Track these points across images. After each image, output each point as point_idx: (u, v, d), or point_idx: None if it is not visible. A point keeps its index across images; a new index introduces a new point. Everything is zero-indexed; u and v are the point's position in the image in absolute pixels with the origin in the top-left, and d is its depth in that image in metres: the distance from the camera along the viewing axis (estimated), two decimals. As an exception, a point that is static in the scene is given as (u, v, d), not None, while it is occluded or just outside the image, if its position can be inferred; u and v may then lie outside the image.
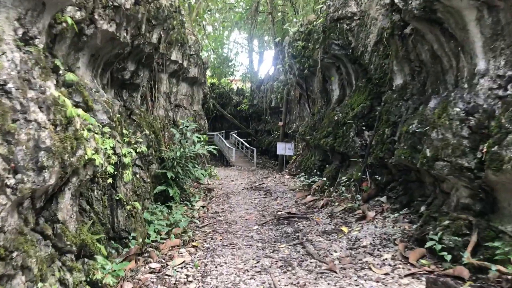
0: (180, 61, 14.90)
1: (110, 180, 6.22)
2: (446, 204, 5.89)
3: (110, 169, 6.21)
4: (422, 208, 6.45)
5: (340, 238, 6.83)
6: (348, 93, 11.41)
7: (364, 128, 9.29)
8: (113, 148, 6.60)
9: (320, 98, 13.97)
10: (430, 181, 6.56)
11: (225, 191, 13.76)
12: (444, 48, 6.59)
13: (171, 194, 10.80)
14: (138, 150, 7.69)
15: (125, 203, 6.91)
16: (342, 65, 11.38)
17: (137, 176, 9.22)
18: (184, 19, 16.33)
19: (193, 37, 17.13)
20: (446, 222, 5.51)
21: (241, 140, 36.37)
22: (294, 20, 29.59)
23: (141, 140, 8.01)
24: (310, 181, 11.81)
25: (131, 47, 10.41)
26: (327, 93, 13.53)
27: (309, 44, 14.28)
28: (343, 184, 9.15)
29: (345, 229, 7.15)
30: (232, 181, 21.41)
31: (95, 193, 6.21)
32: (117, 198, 6.71)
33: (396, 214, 6.88)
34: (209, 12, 42.95)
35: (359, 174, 8.63)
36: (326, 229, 7.36)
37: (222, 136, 41.19)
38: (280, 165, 22.42)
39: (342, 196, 8.85)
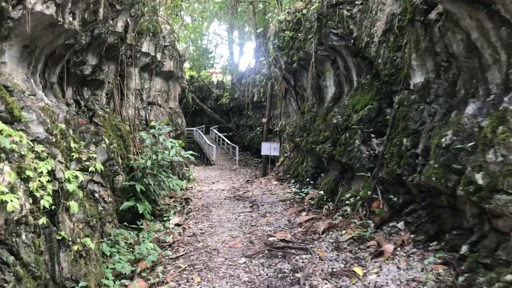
0: (153, 53, 13.10)
1: (43, 220, 4.50)
2: (504, 248, 4.37)
3: (45, 202, 4.52)
4: (464, 248, 4.92)
5: (354, 284, 5.26)
6: (347, 91, 9.85)
7: (372, 135, 7.73)
8: (52, 172, 4.89)
9: (311, 95, 12.39)
10: (473, 212, 5.03)
11: (205, 201, 12.10)
12: (488, 37, 5.05)
13: (140, 211, 9.11)
14: (91, 169, 5.96)
15: (71, 242, 5.21)
16: (339, 58, 9.80)
17: (96, 195, 7.50)
18: (157, 6, 14.52)
19: (168, 26, 15.32)
20: (510, 278, 3.99)
21: (222, 136, 34.64)
22: (276, 10, 27.94)
23: (95, 155, 6.26)
24: (303, 194, 10.25)
25: (91, 36, 8.66)
26: (319, 90, 11.95)
27: (299, 35, 12.66)
28: (348, 203, 7.59)
29: (358, 270, 5.58)
30: (213, 183, 19.81)
31: (23, 237, 4.48)
32: (59, 237, 5.01)
33: (430, 259, 5.31)
34: (187, 2, 40.95)
35: (368, 192, 7.07)
36: (334, 269, 5.77)
37: (202, 131, 39.41)
38: (264, 166, 20.81)
39: (348, 219, 7.28)
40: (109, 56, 9.83)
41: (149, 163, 9.56)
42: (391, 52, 7.60)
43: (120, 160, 9.51)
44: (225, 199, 12.34)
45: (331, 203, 8.66)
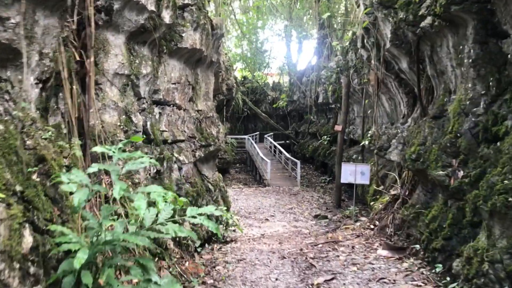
0: (151, 7, 6.97)
1: None
2: None
3: None
4: None
5: None
6: None
7: None
8: None
9: (475, 77, 5.72)
10: None
11: (243, 277, 5.73)
12: None
13: None
14: None
15: None
16: None
17: None
18: None
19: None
20: None
21: (279, 147, 28.26)
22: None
23: None
24: None
25: None
26: (490, 63, 5.31)
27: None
28: None
29: None
30: (267, 220, 13.65)
31: None
32: None
33: None
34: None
35: None
36: None
37: (255, 140, 33.28)
38: (339, 194, 14.23)
39: None
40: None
41: (83, 254, 3.33)
42: None
43: (15, 247, 3.45)
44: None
45: None
